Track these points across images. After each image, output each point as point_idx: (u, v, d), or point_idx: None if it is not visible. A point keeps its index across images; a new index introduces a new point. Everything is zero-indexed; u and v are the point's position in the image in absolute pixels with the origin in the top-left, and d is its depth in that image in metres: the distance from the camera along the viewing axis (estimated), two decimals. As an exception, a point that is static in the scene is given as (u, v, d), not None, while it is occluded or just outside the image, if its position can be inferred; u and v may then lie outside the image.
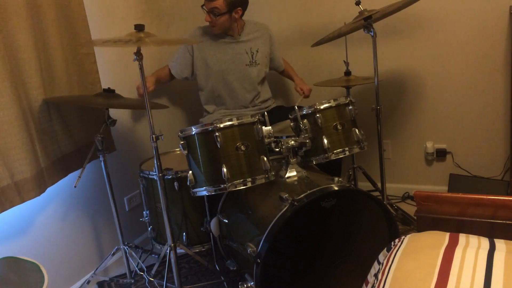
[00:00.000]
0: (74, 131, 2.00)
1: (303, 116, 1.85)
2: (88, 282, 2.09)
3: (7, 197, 1.65)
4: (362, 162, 2.73)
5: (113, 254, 2.13)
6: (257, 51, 2.46)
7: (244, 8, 2.36)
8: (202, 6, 2.31)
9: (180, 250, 1.88)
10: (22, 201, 1.70)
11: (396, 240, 1.11)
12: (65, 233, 2.04)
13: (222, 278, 2.03)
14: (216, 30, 2.36)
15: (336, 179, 1.71)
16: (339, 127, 1.84)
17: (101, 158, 1.98)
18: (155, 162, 1.76)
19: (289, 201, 1.57)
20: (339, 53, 2.72)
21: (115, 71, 2.30)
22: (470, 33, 2.43)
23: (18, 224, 1.83)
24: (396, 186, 2.80)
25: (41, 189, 1.77)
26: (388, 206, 2.05)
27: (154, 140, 1.74)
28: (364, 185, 2.68)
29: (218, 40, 2.42)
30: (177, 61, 2.46)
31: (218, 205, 1.93)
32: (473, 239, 1.03)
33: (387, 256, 1.06)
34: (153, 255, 2.27)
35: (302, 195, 1.59)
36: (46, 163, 1.82)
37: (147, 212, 2.10)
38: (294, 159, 1.81)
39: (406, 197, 2.76)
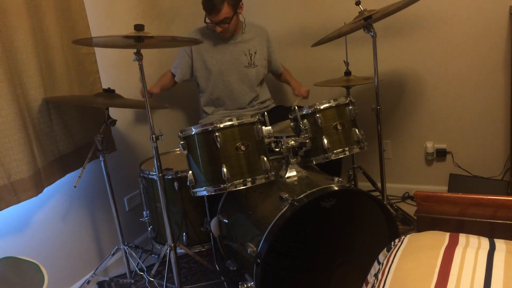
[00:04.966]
0: (74, 131, 2.00)
1: (303, 116, 1.85)
2: (88, 282, 2.09)
3: (3, 197, 1.65)
4: (362, 162, 2.73)
5: (113, 254, 2.13)
6: (255, 53, 2.45)
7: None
8: (206, 22, 2.29)
9: (180, 250, 1.88)
10: (19, 201, 1.70)
11: (396, 240, 1.11)
12: (65, 233, 2.05)
13: (222, 278, 2.03)
14: (227, 34, 2.35)
15: (336, 179, 1.70)
16: (339, 127, 1.84)
17: (101, 158, 1.98)
18: (155, 162, 1.76)
19: (289, 201, 1.57)
20: (339, 53, 2.71)
21: (115, 71, 2.30)
22: (470, 33, 2.43)
23: (18, 224, 1.83)
24: (396, 186, 2.80)
25: (38, 190, 1.76)
26: (388, 206, 2.05)
27: (154, 140, 1.74)
28: (364, 185, 2.68)
29: (216, 42, 2.41)
30: (178, 65, 2.46)
31: (218, 205, 1.93)
32: (473, 239, 1.03)
33: (387, 256, 1.06)
34: (153, 255, 2.27)
35: (302, 195, 1.59)
36: (43, 163, 1.82)
37: (147, 212, 2.10)
38: (294, 159, 1.80)
39: (406, 197, 2.76)
